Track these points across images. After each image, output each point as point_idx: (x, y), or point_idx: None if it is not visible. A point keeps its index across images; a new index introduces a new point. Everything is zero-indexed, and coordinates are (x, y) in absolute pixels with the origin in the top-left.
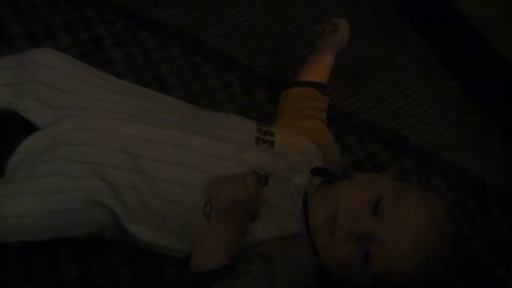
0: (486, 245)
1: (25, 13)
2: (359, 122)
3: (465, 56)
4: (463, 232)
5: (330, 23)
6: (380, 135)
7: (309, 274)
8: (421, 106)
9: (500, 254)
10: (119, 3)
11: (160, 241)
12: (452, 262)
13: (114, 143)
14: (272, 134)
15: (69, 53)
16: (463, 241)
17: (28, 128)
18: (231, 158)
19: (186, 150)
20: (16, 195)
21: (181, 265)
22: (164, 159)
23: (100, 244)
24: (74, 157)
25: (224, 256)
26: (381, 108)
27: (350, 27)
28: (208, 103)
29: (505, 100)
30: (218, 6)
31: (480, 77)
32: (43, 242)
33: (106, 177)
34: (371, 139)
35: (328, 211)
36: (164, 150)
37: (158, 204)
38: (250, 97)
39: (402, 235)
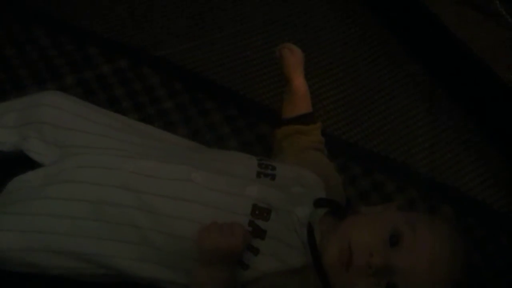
0: (497, 272)
1: (30, 54)
2: (364, 153)
3: (467, 82)
4: (473, 260)
5: (279, 49)
6: (386, 165)
7: None
8: (425, 134)
9: (510, 281)
10: (122, 42)
11: (162, 276)
12: (466, 283)
13: (115, 181)
14: (273, 168)
15: (74, 92)
16: (474, 269)
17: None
18: (233, 192)
19: (188, 185)
20: (5, 230)
21: None
22: (165, 194)
23: None
24: (73, 196)
25: None
26: (385, 137)
27: (353, 57)
28: (212, 138)
29: (510, 124)
30: (220, 42)
31: (483, 102)
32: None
33: (105, 216)
34: (376, 170)
35: (341, 247)
36: (166, 185)
37: (159, 239)
38: (254, 131)
39: (421, 264)
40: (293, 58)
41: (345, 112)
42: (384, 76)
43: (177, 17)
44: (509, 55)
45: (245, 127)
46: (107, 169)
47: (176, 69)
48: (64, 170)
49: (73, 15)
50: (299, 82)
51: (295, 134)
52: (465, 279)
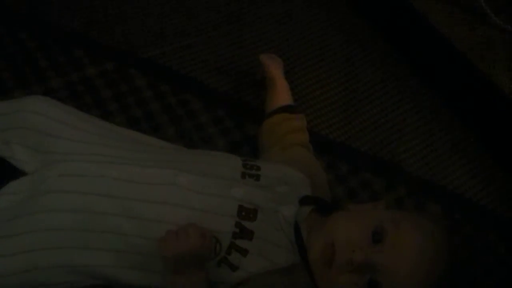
0: (485, 269)
1: (15, 56)
2: (352, 151)
3: (453, 80)
4: (460, 257)
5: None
6: (373, 163)
7: None
8: (412, 133)
9: (498, 276)
10: (108, 44)
11: (151, 282)
12: (452, 280)
13: (99, 188)
14: (258, 168)
15: (60, 94)
16: (461, 265)
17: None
18: (218, 194)
19: (173, 189)
20: None
21: None
22: (150, 199)
23: None
24: (57, 207)
25: None
26: (373, 136)
27: (339, 56)
28: (200, 139)
29: (494, 122)
30: (206, 43)
31: (469, 100)
32: None
33: (90, 225)
34: (364, 168)
35: (324, 243)
36: (150, 190)
37: (146, 245)
38: (242, 131)
39: (403, 261)
40: (274, 62)
41: (332, 111)
42: (371, 75)
43: (163, 19)
44: (494, 53)
45: (232, 127)
46: (90, 177)
47: (163, 70)
48: (46, 180)
49: (58, 17)
50: (282, 81)
51: (276, 124)
52: (450, 278)
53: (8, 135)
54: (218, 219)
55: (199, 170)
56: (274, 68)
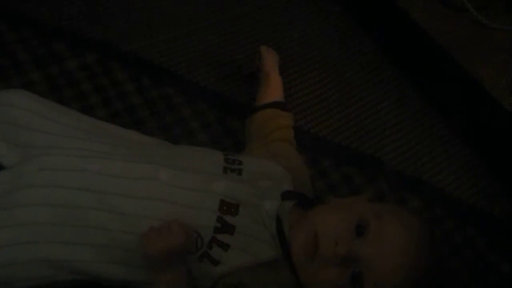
0: (464, 263)
1: None
2: (333, 146)
3: (434, 76)
4: (441, 251)
5: (260, 48)
6: (355, 158)
7: None
8: (393, 127)
9: (477, 271)
10: (88, 36)
11: (134, 277)
12: (434, 273)
13: (79, 183)
14: (240, 163)
15: (40, 88)
16: (441, 259)
17: None
18: (200, 189)
19: (154, 183)
20: None
21: None
22: (132, 193)
23: None
24: (38, 201)
25: None
26: (354, 131)
27: (322, 51)
28: (182, 133)
29: (475, 117)
30: (188, 36)
31: (450, 96)
32: None
33: (71, 220)
34: (346, 163)
35: (307, 237)
36: (131, 185)
37: (127, 240)
38: (223, 125)
39: (387, 254)
40: (272, 56)
41: (314, 106)
42: (353, 70)
43: (145, 12)
44: (475, 49)
45: (214, 121)
46: (70, 171)
47: (144, 63)
48: (26, 174)
49: (37, 9)
50: (277, 76)
51: (268, 119)
52: (432, 270)
53: None
54: (199, 213)
55: (180, 165)
56: (271, 61)
